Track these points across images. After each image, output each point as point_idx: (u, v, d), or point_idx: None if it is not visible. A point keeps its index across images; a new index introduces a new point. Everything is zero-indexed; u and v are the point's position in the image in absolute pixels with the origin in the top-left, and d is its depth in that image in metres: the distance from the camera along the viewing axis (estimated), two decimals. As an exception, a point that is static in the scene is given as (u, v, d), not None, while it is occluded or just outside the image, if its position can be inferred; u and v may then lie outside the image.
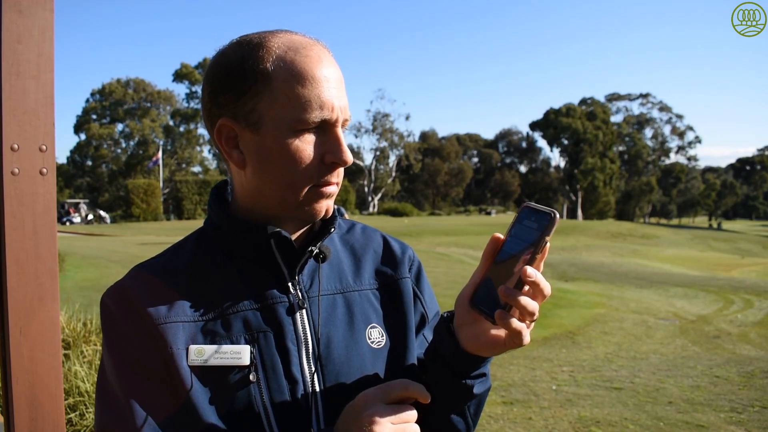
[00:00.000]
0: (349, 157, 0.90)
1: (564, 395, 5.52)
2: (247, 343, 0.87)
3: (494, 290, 0.79)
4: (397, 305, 1.01)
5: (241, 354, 0.86)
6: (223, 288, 0.91)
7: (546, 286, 0.78)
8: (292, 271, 0.93)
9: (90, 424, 3.49)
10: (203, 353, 0.85)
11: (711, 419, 4.80)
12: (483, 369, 0.89)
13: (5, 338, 1.36)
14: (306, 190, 0.89)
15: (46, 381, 1.40)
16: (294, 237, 0.95)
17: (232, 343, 0.87)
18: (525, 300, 0.77)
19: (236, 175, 0.94)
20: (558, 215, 0.77)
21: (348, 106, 0.91)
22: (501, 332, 0.83)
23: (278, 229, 0.90)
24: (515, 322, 0.78)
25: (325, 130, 0.88)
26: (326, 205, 0.92)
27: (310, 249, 0.93)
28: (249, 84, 0.87)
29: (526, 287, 0.77)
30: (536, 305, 0.78)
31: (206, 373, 0.85)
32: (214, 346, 0.86)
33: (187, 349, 0.85)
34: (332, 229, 0.95)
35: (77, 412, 3.57)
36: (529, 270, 0.76)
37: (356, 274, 1.01)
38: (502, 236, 0.82)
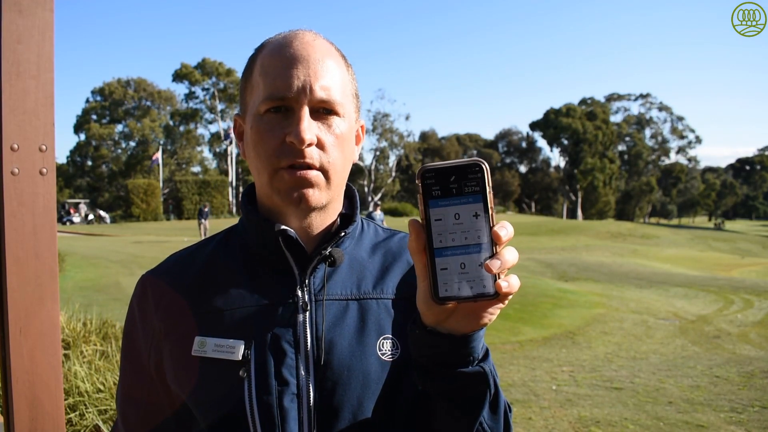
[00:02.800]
0: (304, 135, 0.85)
1: (564, 395, 5.52)
2: (242, 339, 0.88)
3: (457, 272, 0.69)
4: None
5: (235, 349, 0.87)
6: (232, 284, 0.93)
7: (512, 229, 0.69)
8: (303, 272, 0.92)
9: (90, 424, 3.49)
10: (204, 345, 0.89)
11: (711, 419, 4.80)
12: (479, 342, 0.77)
13: (5, 338, 1.36)
14: (273, 173, 0.89)
15: (46, 381, 1.40)
16: (311, 236, 0.94)
17: (230, 338, 0.88)
18: (510, 256, 0.68)
19: None
20: (483, 162, 0.68)
21: (328, 86, 0.88)
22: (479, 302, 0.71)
23: (285, 227, 0.89)
24: (513, 279, 0.69)
25: (292, 112, 0.88)
26: (301, 192, 0.88)
27: (320, 252, 0.92)
28: (243, 80, 0.96)
29: (500, 246, 0.68)
30: (515, 251, 0.70)
31: (205, 364, 0.88)
32: (214, 339, 0.89)
33: (193, 340, 0.90)
34: (342, 233, 0.94)
35: (77, 412, 3.57)
36: (501, 231, 0.67)
37: (379, 281, 0.96)
38: (420, 220, 0.70)
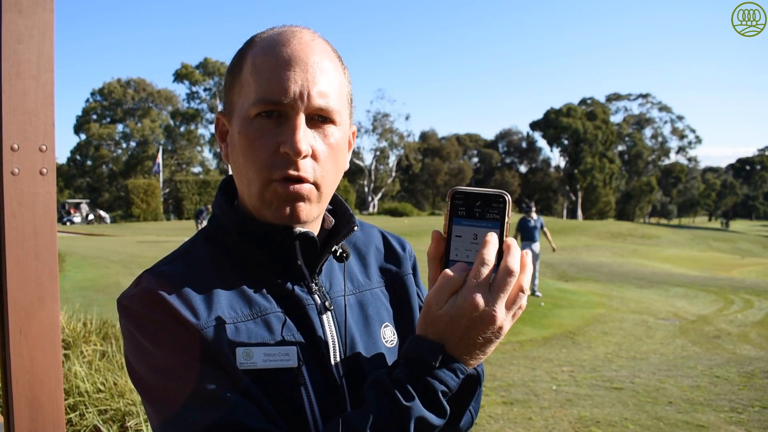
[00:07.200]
0: (300, 146, 0.80)
1: (564, 395, 5.52)
2: (291, 344, 0.84)
3: None
4: (404, 303, 1.01)
5: (289, 355, 0.82)
6: (250, 291, 0.86)
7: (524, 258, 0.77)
8: (312, 272, 0.90)
9: (90, 424, 3.49)
10: (251, 355, 0.80)
11: (711, 419, 4.80)
12: None
13: (5, 338, 1.36)
14: (264, 184, 0.83)
15: (46, 381, 1.40)
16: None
17: (278, 344, 0.83)
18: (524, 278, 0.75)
19: None
20: (507, 194, 0.75)
21: (326, 93, 0.83)
22: None
23: (305, 230, 0.86)
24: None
25: (286, 118, 0.82)
26: (293, 207, 0.83)
27: (333, 249, 0.91)
28: (230, 77, 0.88)
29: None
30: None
31: (255, 376, 0.80)
32: (261, 348, 0.81)
33: (234, 352, 0.80)
34: (355, 227, 0.93)
35: (77, 412, 3.57)
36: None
37: (364, 273, 1.00)
38: (443, 232, 0.76)
